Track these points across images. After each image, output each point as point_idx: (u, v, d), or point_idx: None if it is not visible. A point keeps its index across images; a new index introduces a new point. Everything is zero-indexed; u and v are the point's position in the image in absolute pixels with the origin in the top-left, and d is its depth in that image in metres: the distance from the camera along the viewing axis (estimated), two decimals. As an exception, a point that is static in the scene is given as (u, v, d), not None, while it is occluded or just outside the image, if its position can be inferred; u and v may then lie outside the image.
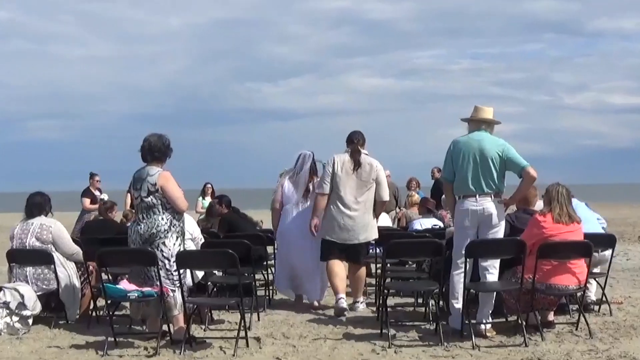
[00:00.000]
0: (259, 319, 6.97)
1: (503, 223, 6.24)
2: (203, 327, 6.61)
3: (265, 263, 8.29)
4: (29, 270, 6.78)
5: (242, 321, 5.86)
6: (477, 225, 6.17)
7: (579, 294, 6.46)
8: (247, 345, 5.87)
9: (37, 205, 7.01)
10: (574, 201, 6.92)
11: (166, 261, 5.93)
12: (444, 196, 8.43)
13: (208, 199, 13.22)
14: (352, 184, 7.38)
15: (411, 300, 7.83)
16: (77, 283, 6.92)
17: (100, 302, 7.00)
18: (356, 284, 7.56)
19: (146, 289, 5.87)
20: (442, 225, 9.15)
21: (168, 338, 5.98)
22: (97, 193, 12.85)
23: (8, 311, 6.44)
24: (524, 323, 5.93)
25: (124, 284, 5.94)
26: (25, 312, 6.51)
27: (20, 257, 6.84)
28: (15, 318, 6.45)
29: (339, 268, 7.48)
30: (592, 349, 5.67)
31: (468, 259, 6.05)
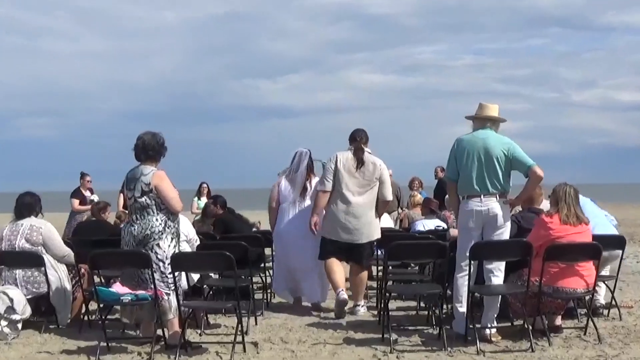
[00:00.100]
0: (256, 323, 6.97)
1: (509, 224, 6.24)
2: (199, 331, 6.60)
3: (262, 265, 8.29)
4: (19, 272, 6.77)
5: (239, 325, 5.86)
6: (481, 227, 6.18)
7: (587, 298, 6.46)
8: (244, 351, 5.87)
9: (26, 205, 7.00)
10: (580, 198, 6.95)
11: (161, 263, 5.92)
12: (447, 196, 8.42)
13: (204, 200, 13.21)
14: (355, 182, 7.43)
15: (413, 303, 7.83)
16: (69, 286, 6.91)
17: (93, 305, 6.99)
18: (357, 286, 7.57)
19: (140, 292, 5.86)
20: (445, 226, 9.15)
21: (162, 343, 5.98)
22: (87, 194, 12.84)
23: (-3, 315, 6.43)
24: (531, 327, 5.93)
25: (117, 287, 5.93)
26: (15, 317, 6.50)
27: (9, 259, 6.83)
28: (4, 323, 6.44)
29: (338, 266, 7.56)
30: (601, 355, 5.66)
31: (472, 261, 6.05)
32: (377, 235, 7.59)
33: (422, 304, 7.64)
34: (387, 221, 10.37)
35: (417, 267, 8.59)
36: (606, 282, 7.23)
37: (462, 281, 6.10)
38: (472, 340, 5.86)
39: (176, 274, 5.94)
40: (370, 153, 7.61)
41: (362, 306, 7.53)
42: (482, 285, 6.21)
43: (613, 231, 7.35)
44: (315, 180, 7.98)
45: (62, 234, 9.05)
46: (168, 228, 5.99)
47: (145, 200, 5.97)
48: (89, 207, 12.51)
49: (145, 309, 6.02)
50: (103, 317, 6.19)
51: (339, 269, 7.57)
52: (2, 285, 6.78)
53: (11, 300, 6.51)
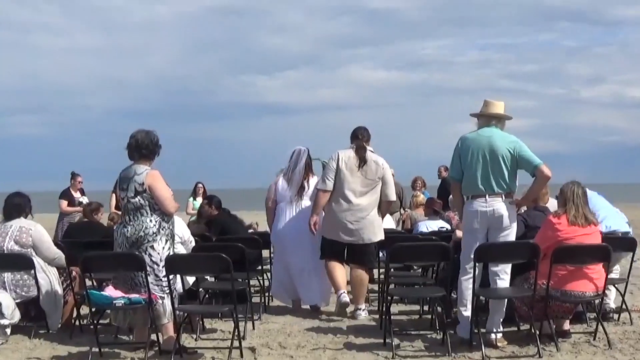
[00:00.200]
0: (253, 328, 6.97)
1: (515, 225, 6.24)
2: (194, 336, 6.60)
3: (260, 267, 8.30)
4: (7, 276, 6.76)
5: (236, 330, 5.86)
6: (486, 228, 6.17)
7: (596, 301, 6.46)
8: (242, 356, 5.87)
9: (16, 206, 7.00)
10: (589, 191, 6.96)
11: (155, 266, 5.92)
12: (451, 196, 8.43)
13: (199, 200, 13.22)
14: (357, 181, 7.45)
15: (416, 307, 7.84)
16: (59, 290, 6.91)
17: (84, 310, 6.99)
18: (358, 289, 7.58)
19: (133, 296, 5.85)
20: (449, 227, 9.15)
21: (157, 348, 5.97)
22: (77, 195, 12.84)
23: (-16, 320, 6.43)
24: (538, 332, 5.93)
25: (110, 291, 5.92)
26: (3, 321, 6.49)
27: (-2, 261, 6.82)
28: (-8, 327, 6.44)
29: (339, 268, 7.62)
30: (610, 360, 5.67)
31: (477, 264, 6.05)
32: (380, 236, 7.60)
33: (425, 308, 7.64)
34: (389, 222, 10.37)
35: (419, 270, 8.59)
36: (616, 285, 7.23)
37: (467, 284, 6.10)
38: (477, 345, 5.85)
39: (171, 276, 5.93)
40: (372, 151, 7.64)
41: (363, 310, 7.53)
42: (488, 288, 6.21)
43: (623, 224, 7.36)
44: (313, 179, 8.00)
45: (52, 236, 9.05)
46: (162, 229, 5.99)
47: (139, 200, 5.96)
48: (77, 208, 12.52)
49: (138, 313, 6.02)
50: (95, 322, 6.19)
51: (340, 270, 7.62)
52: (-9, 288, 6.77)
53: None
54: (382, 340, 6.26)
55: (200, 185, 14.41)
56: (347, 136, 7.82)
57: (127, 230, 5.98)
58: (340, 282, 7.53)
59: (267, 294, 8.36)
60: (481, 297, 6.26)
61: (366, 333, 6.70)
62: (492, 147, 6.15)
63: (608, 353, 5.88)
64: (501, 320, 6.16)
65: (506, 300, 6.20)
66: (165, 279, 5.90)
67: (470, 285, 6.03)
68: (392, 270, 7.88)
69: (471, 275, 6.04)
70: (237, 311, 5.87)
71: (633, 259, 7.15)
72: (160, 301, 5.91)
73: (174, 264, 5.96)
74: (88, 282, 6.78)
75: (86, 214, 9.41)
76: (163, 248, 5.97)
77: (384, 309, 6.68)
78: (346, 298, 7.41)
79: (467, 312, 6.10)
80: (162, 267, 5.89)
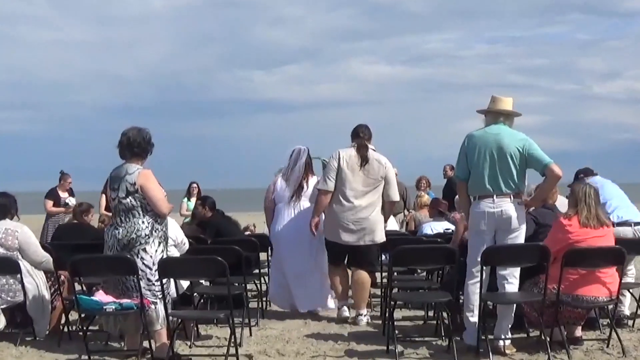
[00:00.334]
0: (250, 334, 6.96)
1: (524, 227, 6.23)
2: (188, 343, 6.59)
3: (258, 271, 8.29)
4: (-7, 280, 6.75)
5: (232, 337, 5.86)
6: (494, 230, 6.16)
7: (610, 307, 6.45)
8: (238, 364, 5.86)
9: (1, 207, 6.99)
10: (598, 179, 6.94)
11: (147, 270, 5.92)
12: (457, 197, 8.42)
13: (194, 201, 13.23)
14: (359, 180, 7.47)
15: (421, 313, 7.84)
16: (47, 294, 6.89)
17: (73, 315, 6.98)
18: (360, 293, 7.60)
19: (125, 301, 5.85)
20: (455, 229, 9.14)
21: (149, 356, 5.96)
22: (65, 195, 12.83)
23: (-31, 326, 6.42)
24: (548, 339, 5.92)
25: (100, 296, 5.92)
26: (-11, 327, 6.48)
27: (-18, 265, 6.81)
28: (-23, 334, 6.43)
29: (342, 275, 7.67)
30: (624, 368, 5.67)
31: (484, 267, 6.04)
32: (382, 237, 7.61)
33: (429, 313, 7.64)
34: (392, 224, 10.37)
35: (424, 274, 8.59)
36: (631, 290, 7.23)
37: (474, 288, 6.09)
38: (485, 352, 5.85)
39: (164, 281, 5.93)
40: (374, 150, 7.65)
41: (365, 315, 7.54)
42: (495, 292, 6.20)
43: (636, 214, 7.35)
44: (313, 179, 8.01)
45: (38, 238, 9.04)
46: (155, 231, 5.98)
47: (130, 201, 5.96)
48: (61, 209, 12.53)
49: (130, 319, 6.01)
50: (84, 328, 6.18)
51: (343, 278, 7.68)
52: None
53: (-16, 310, 6.49)
54: (385, 347, 6.25)
55: (194, 185, 14.42)
56: (348, 134, 7.83)
57: (119, 232, 5.97)
58: (342, 292, 7.61)
59: (264, 299, 8.36)
60: (488, 302, 6.26)
61: (368, 340, 6.70)
62: (500, 145, 6.14)
63: (622, 361, 5.88)
64: (509, 326, 6.15)
65: (515, 305, 6.19)
66: (158, 283, 5.89)
67: (477, 290, 6.02)
68: (395, 274, 7.90)
69: (478, 279, 6.03)
70: (233, 317, 5.87)
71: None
72: (152, 306, 5.90)
73: (167, 267, 5.95)
74: (77, 287, 6.78)
75: (76, 215, 9.39)
76: (156, 251, 5.96)
77: (387, 315, 6.67)
78: (346, 313, 7.55)
79: (473, 317, 6.09)
80: (155, 270, 5.89)
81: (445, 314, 6.71)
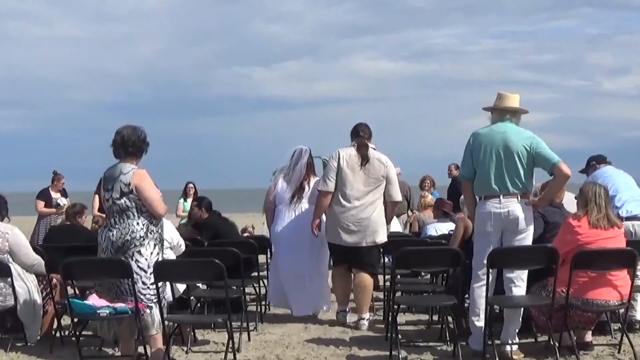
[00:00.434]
0: (249, 339, 6.96)
1: (531, 228, 6.23)
2: (185, 348, 6.59)
3: (256, 274, 8.30)
4: (-18, 284, 6.75)
5: (230, 342, 5.85)
6: (501, 231, 6.16)
7: (621, 311, 6.43)
8: (236, 370, 5.86)
9: (-9, 208, 6.99)
10: (610, 169, 6.92)
11: (142, 273, 5.91)
12: (462, 197, 8.42)
13: (190, 201, 13.23)
14: (360, 180, 7.49)
15: (425, 317, 7.85)
16: (38, 299, 6.89)
17: (66, 320, 6.97)
18: (362, 296, 7.61)
19: (119, 305, 5.84)
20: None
21: (144, 362, 5.96)
22: (57, 195, 12.84)
23: (-42, 331, 6.42)
24: (557, 344, 5.92)
25: (93, 300, 5.91)
26: (-21, 333, 6.47)
27: (-28, 268, 6.80)
28: (-34, 339, 6.42)
29: (345, 279, 7.69)
30: (636, 375, 5.66)
31: (491, 270, 6.03)
32: (383, 238, 7.62)
33: (434, 318, 7.64)
34: (396, 225, 10.38)
35: (428, 276, 8.58)
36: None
37: (480, 292, 6.09)
38: (491, 358, 5.84)
39: (160, 284, 5.92)
40: (374, 149, 7.66)
41: (367, 319, 7.55)
42: (502, 296, 6.20)
43: None
44: (314, 180, 8.02)
45: (29, 240, 9.04)
46: (150, 233, 5.98)
47: (125, 202, 5.95)
48: (52, 210, 12.53)
49: (124, 324, 6.00)
50: (77, 333, 6.18)
51: (345, 283, 7.71)
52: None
53: (-26, 314, 6.49)
54: (388, 353, 6.25)
55: (191, 185, 14.45)
56: (349, 132, 7.84)
57: (112, 234, 5.96)
58: (343, 296, 7.67)
59: (263, 303, 8.37)
60: (495, 306, 6.25)
61: (371, 345, 6.70)
62: (507, 144, 6.13)
63: (633, 366, 5.87)
64: (517, 331, 6.15)
65: (522, 309, 6.18)
66: (154, 286, 5.88)
67: (483, 293, 6.01)
68: (398, 276, 7.88)
69: (484, 282, 6.03)
70: (231, 321, 5.87)
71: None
72: (148, 311, 5.90)
73: (163, 270, 5.95)
74: (70, 290, 6.78)
75: (69, 217, 9.38)
76: (151, 253, 5.95)
77: (389, 319, 6.66)
78: (347, 317, 7.63)
79: (479, 322, 6.09)
80: (150, 273, 5.88)
81: (450, 318, 6.70)
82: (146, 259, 5.92)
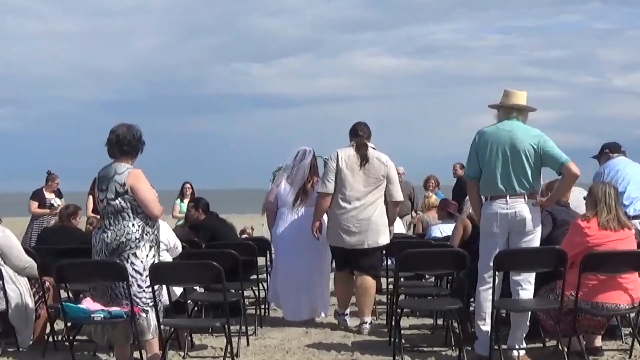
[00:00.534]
0: (248, 344, 6.96)
1: (539, 229, 6.21)
2: (182, 353, 6.60)
3: (256, 277, 8.29)
4: (-27, 287, 6.74)
5: (229, 347, 5.85)
6: (507, 232, 6.15)
7: (632, 315, 6.43)
8: (234, 376, 5.86)
9: (-18, 209, 6.98)
10: (622, 160, 6.91)
11: (137, 275, 5.90)
12: (467, 197, 8.42)
13: (187, 202, 13.23)
14: (359, 181, 7.49)
15: (429, 321, 7.83)
16: (31, 302, 6.88)
17: (59, 324, 6.97)
18: (364, 299, 7.61)
19: (114, 309, 5.84)
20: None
21: (140, 367, 5.96)
22: (51, 196, 12.83)
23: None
24: (566, 349, 5.92)
25: (87, 303, 5.91)
26: (-31, 337, 6.47)
27: (-38, 271, 6.80)
28: (-43, 344, 6.42)
29: (347, 283, 7.70)
30: (647, 380, 5.65)
31: (497, 272, 6.02)
32: (385, 240, 7.62)
33: (438, 322, 7.63)
34: (399, 226, 10.38)
35: (432, 279, 8.57)
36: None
37: (486, 295, 6.08)
38: (498, 363, 5.84)
39: (156, 287, 5.92)
40: (374, 148, 7.66)
41: (370, 324, 7.54)
42: (509, 299, 6.19)
43: None
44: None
45: (21, 242, 9.04)
46: (146, 235, 5.97)
47: (120, 202, 5.94)
48: (45, 211, 12.52)
49: (119, 328, 6.00)
50: (71, 338, 6.18)
51: (347, 285, 7.72)
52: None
53: (-35, 318, 6.48)
54: (391, 358, 6.25)
55: (188, 185, 14.47)
56: (348, 132, 7.83)
57: (107, 236, 5.95)
58: (344, 300, 7.70)
59: (262, 306, 8.36)
60: (502, 310, 6.24)
61: (373, 349, 6.69)
62: (514, 142, 6.12)
63: (644, 372, 5.87)
64: (524, 335, 6.14)
65: (530, 313, 6.17)
66: (150, 289, 5.88)
67: (490, 297, 6.01)
68: (402, 279, 7.88)
69: (490, 285, 6.02)
70: (229, 325, 5.87)
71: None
72: (143, 315, 5.89)
73: (159, 273, 5.94)
74: (63, 294, 6.76)
75: (62, 218, 9.38)
76: (147, 255, 5.95)
77: (393, 323, 6.66)
78: (349, 322, 7.64)
79: (485, 326, 6.08)
80: (146, 276, 5.88)
81: (455, 323, 6.70)
82: (142, 262, 5.91)
